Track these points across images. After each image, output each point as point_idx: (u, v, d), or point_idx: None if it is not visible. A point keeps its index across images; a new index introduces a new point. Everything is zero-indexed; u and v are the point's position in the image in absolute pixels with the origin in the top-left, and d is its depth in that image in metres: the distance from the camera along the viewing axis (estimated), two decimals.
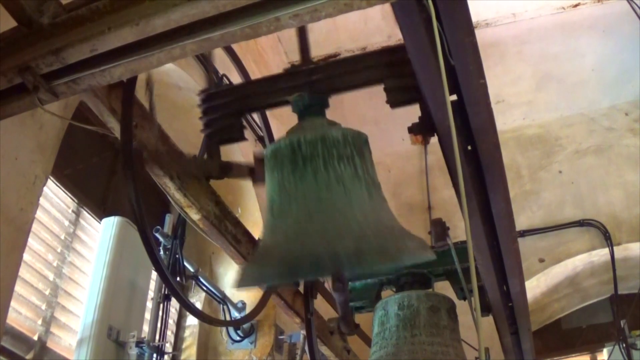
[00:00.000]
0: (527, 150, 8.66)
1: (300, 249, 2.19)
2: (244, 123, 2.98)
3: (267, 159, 2.46)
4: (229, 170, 3.00)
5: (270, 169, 2.43)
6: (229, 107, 2.95)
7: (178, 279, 5.24)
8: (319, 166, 2.28)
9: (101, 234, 4.93)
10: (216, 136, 2.97)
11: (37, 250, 4.39)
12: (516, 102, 8.62)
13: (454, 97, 2.29)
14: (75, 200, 4.99)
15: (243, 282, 2.31)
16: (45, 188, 3.87)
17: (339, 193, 2.25)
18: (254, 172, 2.95)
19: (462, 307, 3.78)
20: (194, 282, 5.75)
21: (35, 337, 4.27)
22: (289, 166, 2.33)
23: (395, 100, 2.62)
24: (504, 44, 8.15)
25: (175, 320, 6.04)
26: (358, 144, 2.39)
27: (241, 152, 4.86)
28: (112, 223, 4.93)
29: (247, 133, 3.06)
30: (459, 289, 3.85)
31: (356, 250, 2.10)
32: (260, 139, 5.25)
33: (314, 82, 2.68)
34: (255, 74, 5.18)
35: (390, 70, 2.63)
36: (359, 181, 2.31)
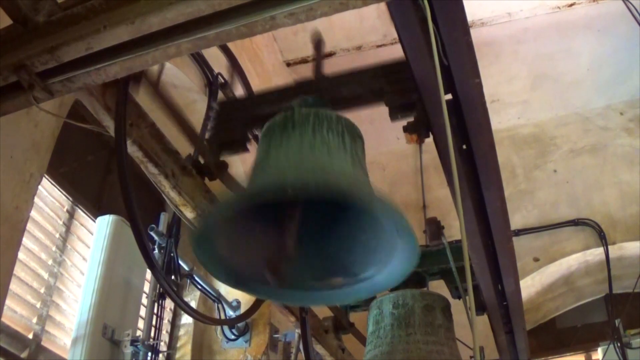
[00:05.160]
0: (522, 150, 8.67)
1: (269, 179, 2.19)
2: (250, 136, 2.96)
3: (260, 135, 2.44)
4: (225, 167, 2.98)
5: (261, 142, 2.40)
6: (239, 117, 2.94)
7: (173, 277, 5.24)
8: (306, 130, 2.24)
9: (96, 233, 4.92)
10: (219, 142, 2.94)
11: (31, 249, 4.39)
12: (511, 102, 8.62)
13: (449, 96, 2.29)
14: (70, 199, 4.98)
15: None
16: (40, 186, 3.86)
17: (322, 153, 2.20)
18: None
19: (456, 306, 3.78)
20: (188, 280, 5.75)
21: (31, 336, 4.26)
22: (278, 133, 2.29)
23: (396, 116, 2.63)
24: (499, 43, 8.15)
25: (170, 319, 6.04)
26: (351, 128, 2.35)
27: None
28: (107, 221, 4.92)
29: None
30: (454, 288, 3.86)
31: (325, 183, 2.06)
32: None
33: (321, 90, 2.68)
34: (250, 72, 5.19)
35: (391, 86, 2.63)
36: (344, 151, 2.26)
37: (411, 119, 2.53)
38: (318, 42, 2.89)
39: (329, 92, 2.69)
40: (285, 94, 2.80)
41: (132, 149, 2.57)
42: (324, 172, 2.13)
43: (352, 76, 2.80)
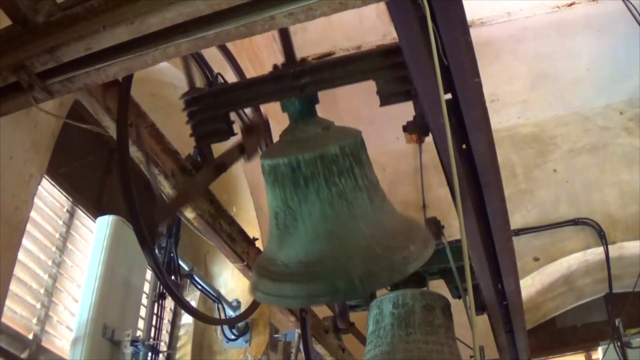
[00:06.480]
0: (521, 149, 8.68)
1: (315, 274, 2.25)
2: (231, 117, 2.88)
3: (265, 171, 2.43)
4: (224, 167, 2.97)
5: (271, 184, 2.41)
6: (214, 108, 2.82)
7: (173, 277, 5.24)
8: (320, 185, 2.30)
9: (96, 233, 4.92)
10: (206, 138, 2.84)
11: (31, 249, 4.39)
12: (511, 101, 8.63)
13: (449, 96, 2.29)
14: (70, 199, 4.98)
15: (261, 296, 2.39)
16: (39, 187, 3.86)
17: (343, 208, 2.29)
18: (245, 148, 2.88)
19: (456, 305, 3.78)
20: (188, 280, 5.75)
21: (31, 336, 4.26)
22: (290, 186, 2.33)
23: (387, 100, 2.61)
24: (499, 42, 8.16)
25: (170, 319, 6.04)
26: (355, 151, 2.39)
27: None
28: (106, 222, 4.92)
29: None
30: (454, 288, 3.85)
31: (367, 272, 2.17)
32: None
33: (303, 86, 2.59)
34: (250, 72, 5.17)
35: (382, 72, 2.60)
36: (360, 191, 2.34)
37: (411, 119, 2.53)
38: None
39: (310, 84, 2.60)
40: (264, 85, 2.73)
41: (132, 149, 2.57)
42: (359, 251, 2.24)
43: (336, 63, 2.69)
